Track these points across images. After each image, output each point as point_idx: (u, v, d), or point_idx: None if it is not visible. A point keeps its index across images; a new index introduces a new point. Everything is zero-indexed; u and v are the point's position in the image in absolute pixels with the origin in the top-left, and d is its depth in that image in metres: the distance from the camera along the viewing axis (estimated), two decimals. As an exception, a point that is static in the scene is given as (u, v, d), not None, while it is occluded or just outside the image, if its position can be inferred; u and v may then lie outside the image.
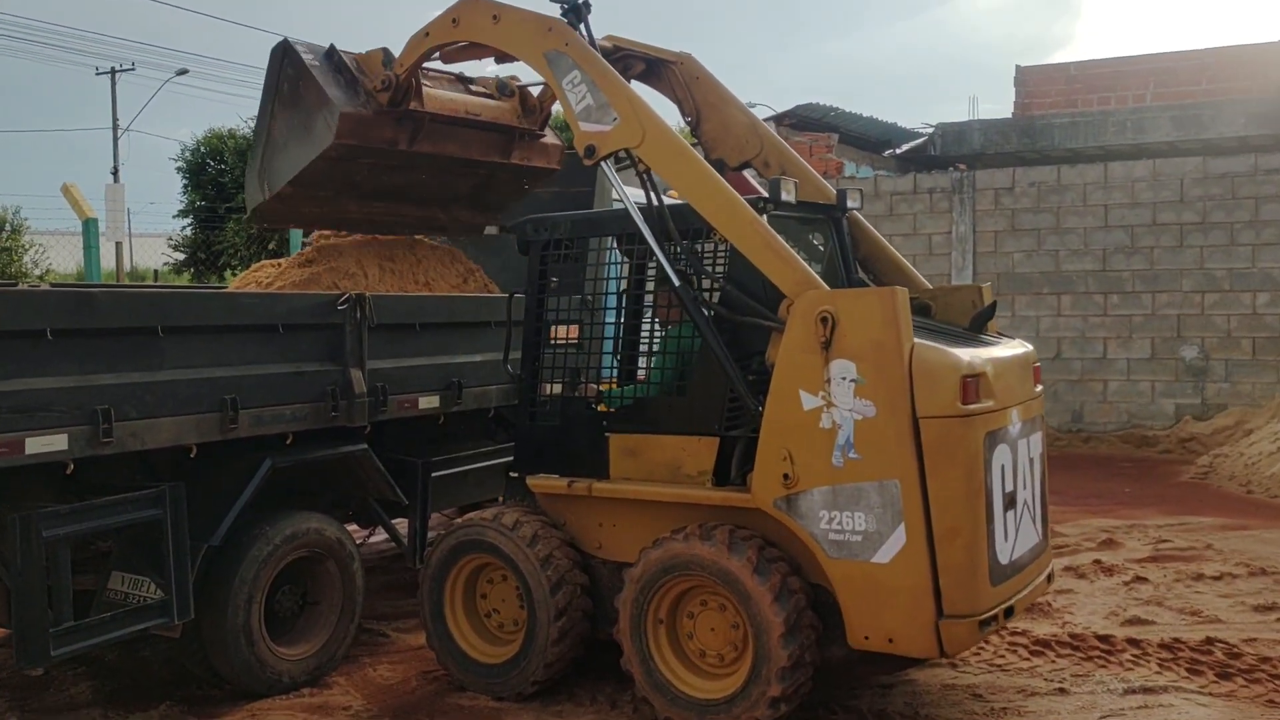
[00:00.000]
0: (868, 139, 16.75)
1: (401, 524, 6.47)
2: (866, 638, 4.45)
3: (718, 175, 4.95)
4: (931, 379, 4.32)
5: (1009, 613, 4.60)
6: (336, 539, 5.70)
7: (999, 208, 12.70)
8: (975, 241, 12.72)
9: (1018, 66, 19.38)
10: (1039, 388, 5.12)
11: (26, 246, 29.57)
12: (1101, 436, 12.49)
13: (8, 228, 29.34)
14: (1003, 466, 4.56)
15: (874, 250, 5.70)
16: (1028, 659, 5.55)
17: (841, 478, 4.43)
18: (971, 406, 4.36)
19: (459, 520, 5.54)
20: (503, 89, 6.83)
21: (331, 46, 6.18)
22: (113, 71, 36.92)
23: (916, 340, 4.39)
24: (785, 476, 4.53)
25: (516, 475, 5.60)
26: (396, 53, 6.04)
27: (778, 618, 4.47)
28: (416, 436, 6.47)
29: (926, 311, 5.20)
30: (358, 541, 6.02)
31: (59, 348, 4.34)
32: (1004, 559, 4.55)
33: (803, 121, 15.25)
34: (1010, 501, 4.62)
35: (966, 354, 4.50)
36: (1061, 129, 14.95)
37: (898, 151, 16.86)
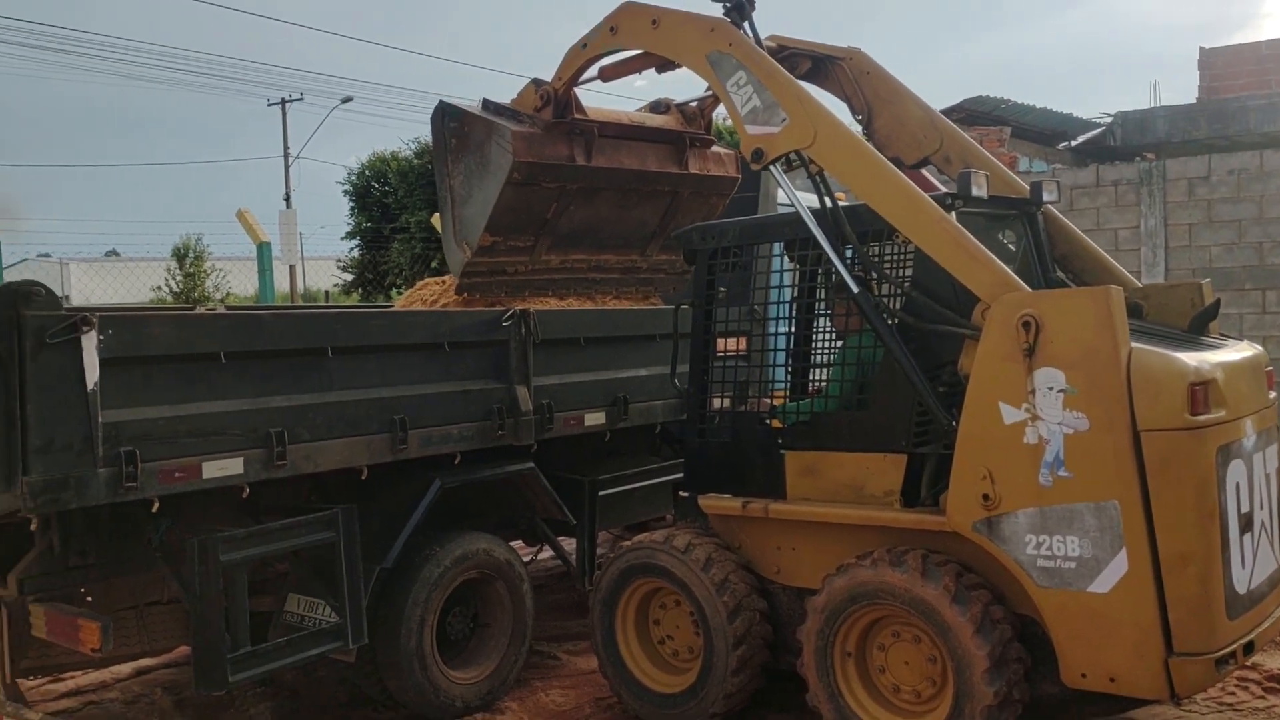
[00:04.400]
0: (1040, 132, 15.89)
1: (566, 542, 6.31)
2: (1084, 675, 4.01)
3: (899, 172, 4.60)
4: (1154, 388, 3.86)
5: (1249, 649, 4.08)
6: (505, 560, 5.58)
7: (1193, 199, 11.76)
8: (1167, 235, 11.81)
9: (1202, 49, 18.11)
10: (1273, 394, 4.56)
11: (208, 272, 31.26)
12: (1316, 444, 11.39)
13: (191, 254, 31.09)
14: (1237, 484, 4.04)
15: (1073, 247, 5.22)
16: (1263, 697, 4.97)
17: (1050, 498, 4.00)
18: (1201, 418, 3.88)
19: (628, 542, 5.33)
20: (657, 108, 6.64)
21: (484, 99, 6.14)
22: (283, 102, 38.65)
23: (1134, 344, 3.93)
24: (985, 497, 4.14)
25: (687, 495, 5.36)
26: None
27: (981, 651, 4.08)
28: (581, 454, 6.32)
29: (1138, 312, 4.70)
30: (524, 561, 5.89)
31: (232, 371, 4.34)
32: (1241, 588, 4.04)
33: (971, 115, 14.56)
34: (1247, 523, 4.10)
35: (1192, 359, 4.02)
36: (1258, 111, 13.84)
37: (1073, 143, 15.95)
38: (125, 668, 6.16)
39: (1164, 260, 11.98)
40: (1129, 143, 15.06)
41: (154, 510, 4.21)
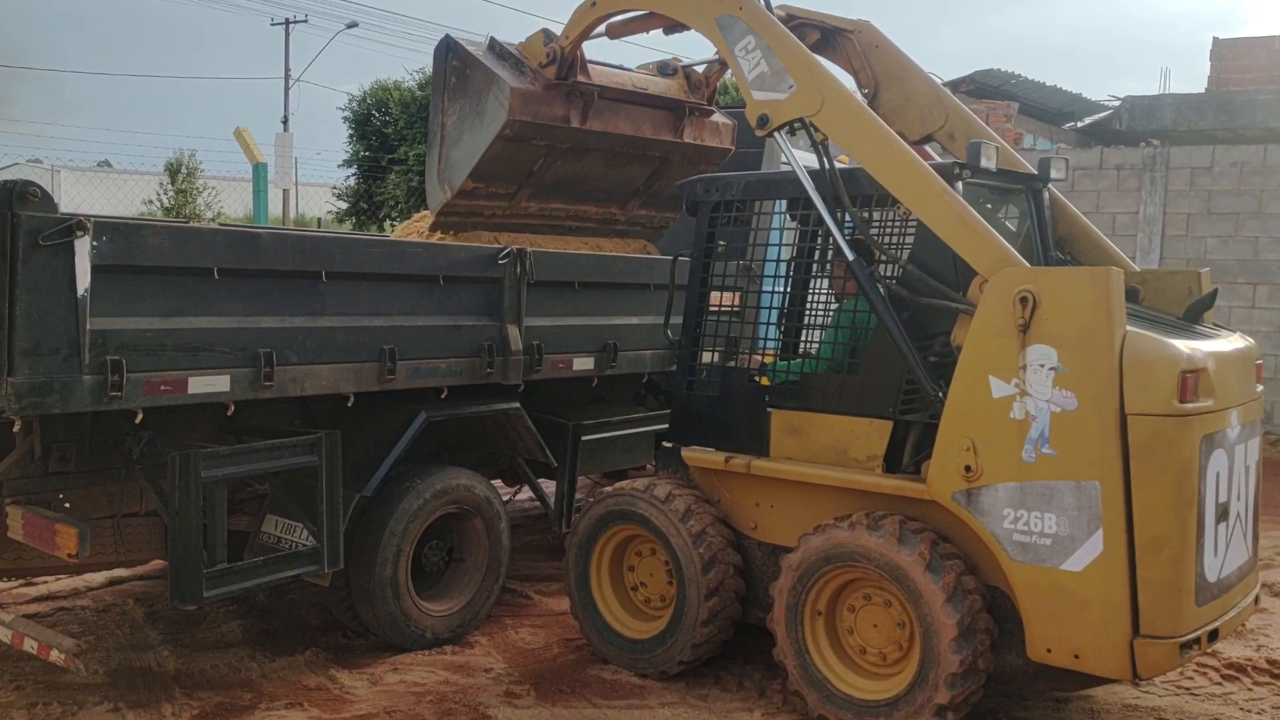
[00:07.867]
0: (1047, 110, 15.80)
1: (545, 484, 6.33)
2: (1049, 650, 4.07)
3: (903, 143, 4.57)
4: (1146, 372, 3.87)
5: (1213, 636, 4.14)
6: (485, 497, 5.60)
7: (1194, 188, 11.76)
8: (1165, 224, 11.83)
9: (1215, 39, 18.04)
10: (1260, 387, 4.59)
11: (200, 189, 30.90)
12: (1293, 441, 11.50)
13: (184, 170, 30.72)
14: (1218, 474, 4.08)
15: (1074, 229, 5.22)
16: (1219, 683, 5.04)
17: (1032, 474, 4.03)
18: (1189, 405, 3.90)
19: (609, 489, 5.35)
20: (664, 69, 6.55)
21: (491, 38, 6.02)
22: (286, 23, 38.03)
23: (1129, 328, 3.94)
24: (967, 469, 4.17)
25: (670, 445, 5.38)
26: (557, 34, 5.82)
27: (950, 620, 4.13)
28: (567, 398, 6.33)
29: (1134, 297, 4.71)
30: (503, 500, 5.92)
31: (224, 288, 4.30)
32: (1211, 576, 4.09)
33: (980, 89, 14.47)
34: (1223, 513, 4.14)
35: (1185, 346, 4.03)
36: (1266, 105, 13.80)
37: (1079, 124, 15.88)
38: (98, 577, 6.19)
39: (1159, 248, 12.01)
40: (1135, 128, 15.02)
41: (137, 422, 4.20)
